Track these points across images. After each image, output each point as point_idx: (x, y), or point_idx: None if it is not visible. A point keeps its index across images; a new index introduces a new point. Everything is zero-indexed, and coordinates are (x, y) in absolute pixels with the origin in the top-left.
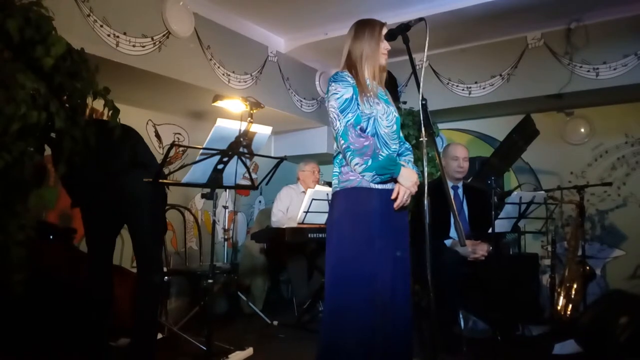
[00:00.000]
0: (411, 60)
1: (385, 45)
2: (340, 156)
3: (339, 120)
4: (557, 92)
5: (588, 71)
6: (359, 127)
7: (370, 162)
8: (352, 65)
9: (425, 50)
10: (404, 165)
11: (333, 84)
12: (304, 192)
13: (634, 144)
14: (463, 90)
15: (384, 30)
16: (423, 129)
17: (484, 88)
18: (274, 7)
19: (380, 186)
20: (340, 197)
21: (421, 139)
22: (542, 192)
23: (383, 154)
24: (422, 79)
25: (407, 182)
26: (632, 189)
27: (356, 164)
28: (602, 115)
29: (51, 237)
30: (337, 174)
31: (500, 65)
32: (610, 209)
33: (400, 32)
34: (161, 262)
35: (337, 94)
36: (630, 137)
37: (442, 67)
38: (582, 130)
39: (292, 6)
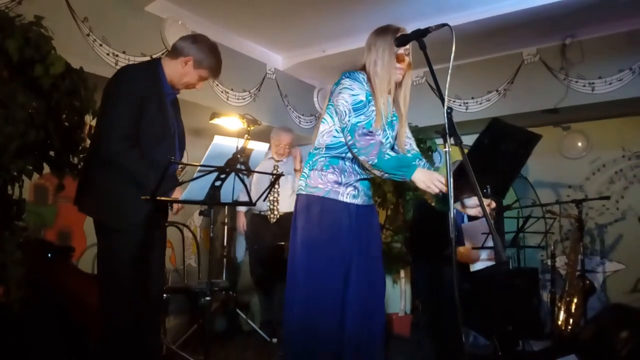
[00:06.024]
0: (430, 66)
1: (396, 62)
2: (315, 157)
3: (349, 116)
4: (553, 106)
5: (584, 86)
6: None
7: (376, 161)
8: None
9: (452, 58)
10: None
11: (348, 79)
12: (271, 159)
13: (631, 158)
14: (460, 105)
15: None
16: (449, 138)
17: (480, 103)
18: (272, 25)
19: (349, 200)
20: (304, 203)
21: (445, 150)
22: (540, 206)
23: (391, 153)
24: (447, 88)
25: (423, 185)
26: (631, 202)
27: (364, 160)
28: (598, 130)
29: (49, 255)
30: (305, 176)
31: (497, 81)
32: (610, 222)
33: (415, 38)
34: None
35: (352, 90)
36: (627, 151)
37: (439, 83)
38: (579, 144)
39: (290, 24)
